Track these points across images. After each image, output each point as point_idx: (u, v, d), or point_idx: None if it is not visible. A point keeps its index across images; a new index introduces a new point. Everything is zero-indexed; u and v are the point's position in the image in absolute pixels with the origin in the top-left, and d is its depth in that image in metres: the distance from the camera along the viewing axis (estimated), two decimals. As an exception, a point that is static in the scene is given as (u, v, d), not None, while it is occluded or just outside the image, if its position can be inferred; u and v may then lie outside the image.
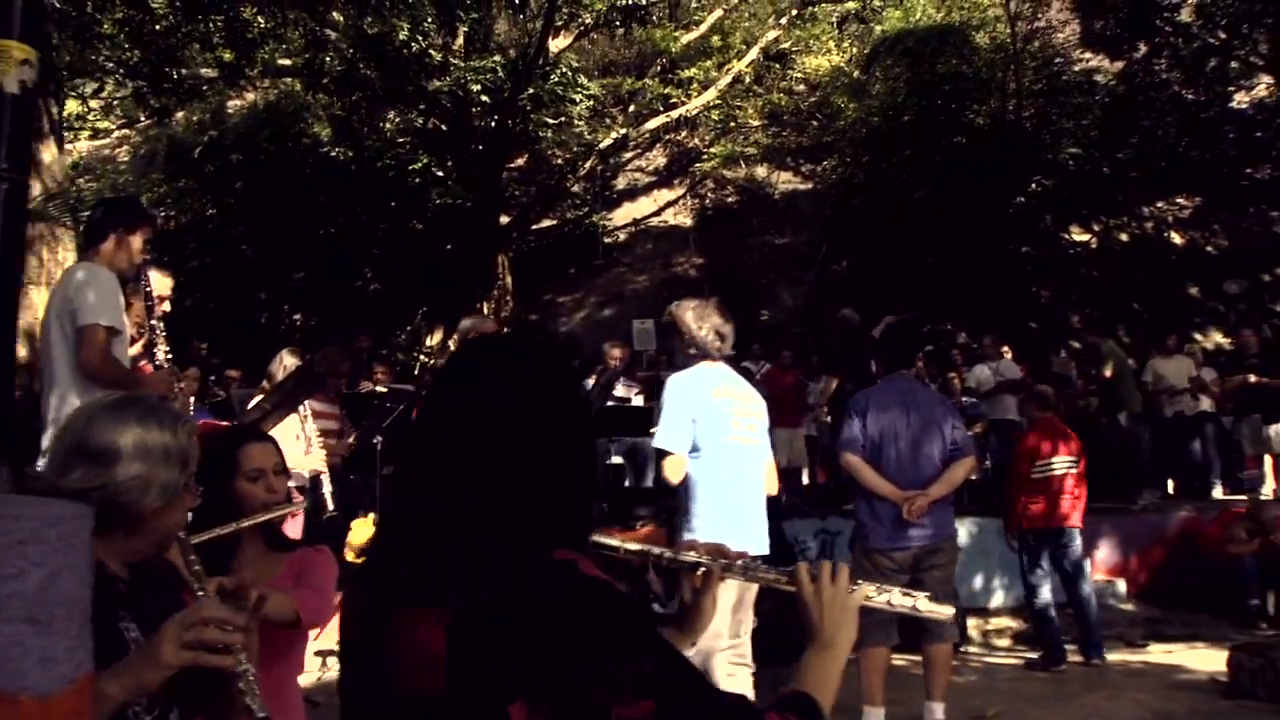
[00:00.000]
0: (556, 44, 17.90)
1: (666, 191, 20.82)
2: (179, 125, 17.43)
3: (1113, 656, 7.28)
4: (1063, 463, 6.89)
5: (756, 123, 21.27)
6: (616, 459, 8.01)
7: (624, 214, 20.55)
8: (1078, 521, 6.94)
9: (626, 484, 8.10)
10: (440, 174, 17.36)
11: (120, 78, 14.85)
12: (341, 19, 15.81)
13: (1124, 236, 19.88)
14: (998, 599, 8.85)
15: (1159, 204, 20.35)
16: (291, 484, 5.76)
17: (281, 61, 17.38)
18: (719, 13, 20.36)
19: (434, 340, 17.79)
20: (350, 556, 5.59)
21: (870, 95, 18.44)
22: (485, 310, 17.83)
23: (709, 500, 4.04)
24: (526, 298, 18.36)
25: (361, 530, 5.61)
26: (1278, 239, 19.37)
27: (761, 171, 20.57)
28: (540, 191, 18.96)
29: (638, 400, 8.34)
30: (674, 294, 18.87)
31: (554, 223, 19.82)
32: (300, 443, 5.69)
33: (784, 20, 19.67)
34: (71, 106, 19.58)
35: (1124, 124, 17.06)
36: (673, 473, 4.03)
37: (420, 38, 15.02)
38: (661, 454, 4.07)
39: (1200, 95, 19.64)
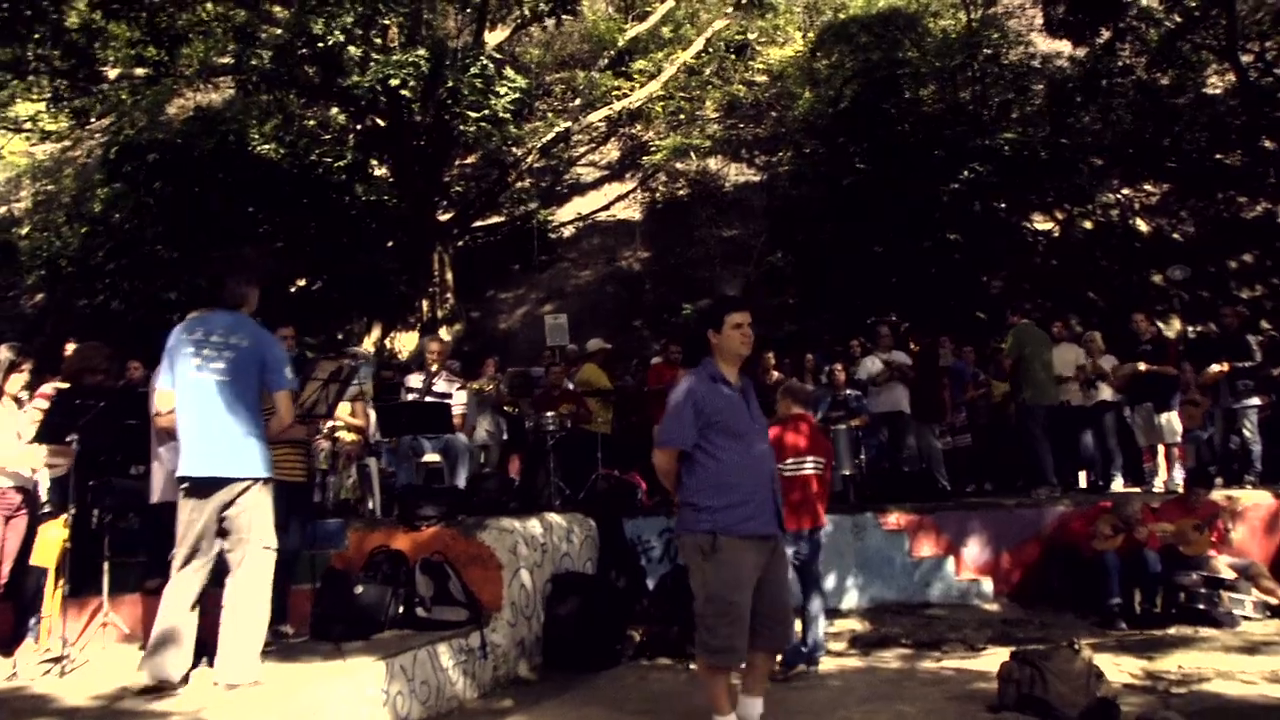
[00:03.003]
0: (494, 37, 17.70)
1: (618, 185, 20.53)
2: (114, 128, 17.41)
3: (931, 665, 6.93)
4: (814, 462, 6.55)
5: (713, 114, 20.94)
6: (433, 456, 7.73)
7: (577, 208, 20.29)
8: (824, 520, 6.63)
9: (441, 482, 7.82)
10: (370, 171, 17.21)
11: (36, 77, 14.75)
12: (285, 13, 15.70)
13: (1088, 224, 19.30)
14: (850, 600, 8.50)
15: (1125, 191, 19.75)
16: (9, 483, 5.59)
17: (223, 60, 17.35)
18: (670, 3, 20.05)
19: (372, 338, 17.64)
20: (35, 560, 5.37)
21: (819, 84, 18.03)
22: (425, 308, 17.70)
23: (182, 427, 4.63)
24: (469, 294, 18.15)
25: (50, 531, 5.39)
26: (1246, 225, 18.73)
27: (716, 164, 20.22)
28: (482, 188, 18.73)
29: (460, 396, 8.06)
30: (617, 289, 18.74)
31: (502, 219, 19.60)
32: (21, 440, 5.50)
33: (730, 9, 19.30)
34: (23, 109, 19.70)
35: (1072, 108, 16.48)
36: (162, 404, 4.75)
37: (339, 33, 14.82)
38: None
39: (1164, 80, 19.05)
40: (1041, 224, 19.18)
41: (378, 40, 15.60)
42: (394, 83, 14.69)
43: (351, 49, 14.96)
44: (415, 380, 8.01)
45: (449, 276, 17.93)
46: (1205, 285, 18.21)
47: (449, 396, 7.96)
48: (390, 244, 17.61)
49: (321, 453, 7.64)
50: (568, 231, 19.65)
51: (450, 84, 14.94)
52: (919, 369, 9.92)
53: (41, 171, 20.67)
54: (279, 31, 15.50)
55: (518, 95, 15.57)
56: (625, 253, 18.70)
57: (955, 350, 11.23)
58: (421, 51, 15.22)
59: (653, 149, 19.66)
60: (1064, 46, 19.22)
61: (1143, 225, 19.33)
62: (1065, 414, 10.18)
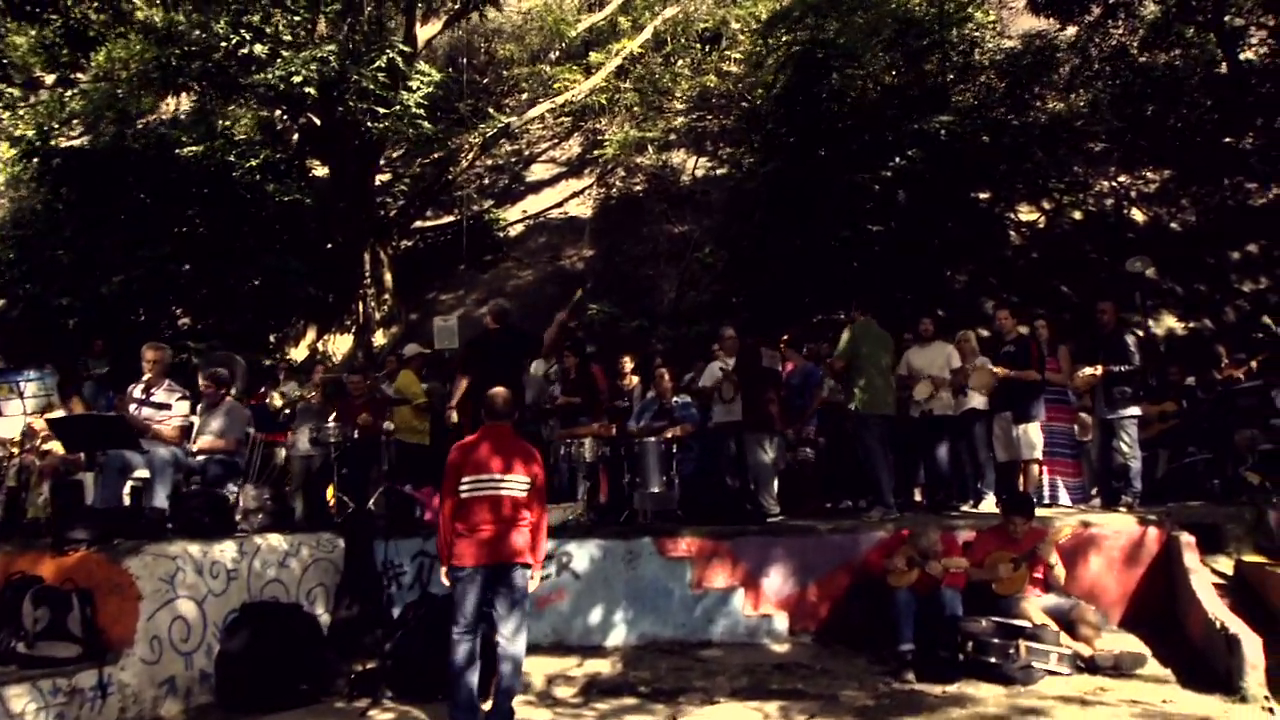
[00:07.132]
0: (425, 32, 17.12)
1: (577, 182, 19.73)
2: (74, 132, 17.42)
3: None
4: (508, 482, 5.63)
5: (681, 106, 20.01)
6: (144, 473, 7.09)
7: (533, 206, 19.56)
8: (528, 556, 5.67)
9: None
10: (309, 170, 16.81)
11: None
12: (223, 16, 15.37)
13: (1077, 214, 17.74)
14: (615, 637, 7.58)
15: (1122, 178, 18.12)
16: None
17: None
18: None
19: (307, 340, 17.24)
20: None
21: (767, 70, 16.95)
22: (360, 309, 17.23)
23: None
24: (411, 295, 17.61)
25: None
26: (1253, 213, 16.95)
27: (679, 157, 19.25)
28: (421, 187, 18.16)
29: (181, 407, 7.40)
30: (558, 288, 17.90)
31: (453, 219, 19.01)
32: None
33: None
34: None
35: (1027, 90, 15.13)
36: None
37: (244, 32, 14.44)
38: None
39: (1163, 58, 17.42)
40: (1027, 214, 17.73)
41: (287, 37, 15.12)
42: (296, 80, 14.24)
43: (258, 47, 14.56)
44: (137, 390, 7.40)
45: (388, 277, 17.45)
46: (1203, 278, 16.57)
47: (168, 407, 7.32)
48: (329, 245, 17.15)
49: (11, 469, 7.10)
50: (517, 229, 18.94)
51: (355, 78, 14.43)
52: (739, 374, 8.89)
53: (15, 180, 20.82)
54: (195, 31, 15.22)
55: (430, 89, 14.96)
56: (570, 251, 17.90)
57: (813, 351, 10.15)
58: (331, 47, 14.74)
59: (605, 143, 18.82)
60: (1045, 26, 17.74)
61: (1138, 215, 17.70)
62: (919, 425, 9.05)
